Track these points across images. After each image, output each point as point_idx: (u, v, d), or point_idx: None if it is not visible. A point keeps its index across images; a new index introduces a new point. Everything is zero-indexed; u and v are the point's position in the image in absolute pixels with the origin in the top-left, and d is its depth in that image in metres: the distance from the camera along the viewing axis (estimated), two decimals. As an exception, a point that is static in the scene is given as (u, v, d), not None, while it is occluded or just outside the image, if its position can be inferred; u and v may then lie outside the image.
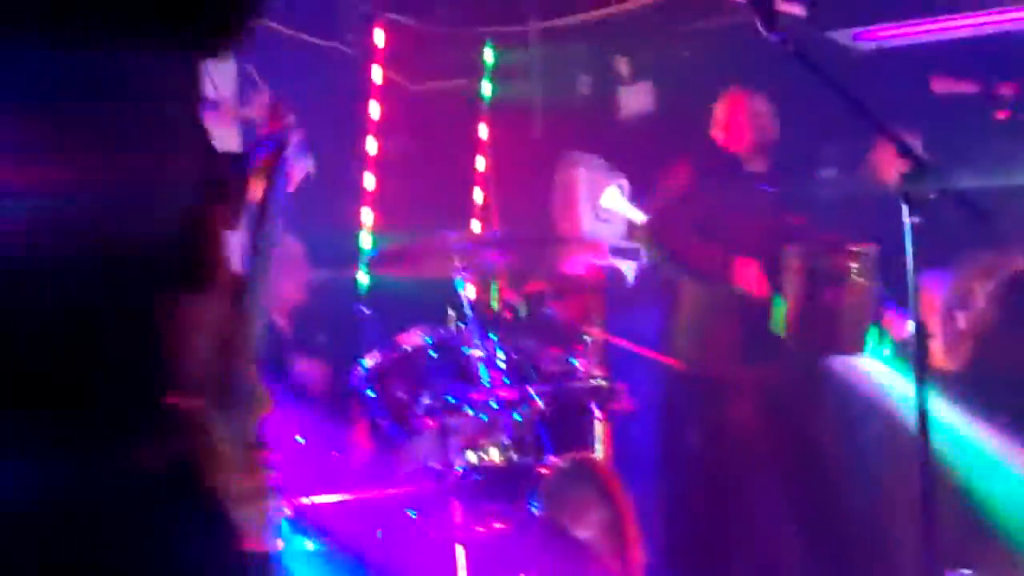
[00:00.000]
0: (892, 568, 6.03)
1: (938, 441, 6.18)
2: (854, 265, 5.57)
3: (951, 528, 6.39)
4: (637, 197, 7.71)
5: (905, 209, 3.97)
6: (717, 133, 5.89)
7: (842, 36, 7.90)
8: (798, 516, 5.80)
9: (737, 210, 5.71)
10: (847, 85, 4.07)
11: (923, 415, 3.75)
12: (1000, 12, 7.57)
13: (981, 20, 7.70)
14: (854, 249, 5.62)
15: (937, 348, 6.20)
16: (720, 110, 5.90)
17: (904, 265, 3.77)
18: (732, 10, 4.36)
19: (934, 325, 6.26)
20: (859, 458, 6.17)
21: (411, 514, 4.91)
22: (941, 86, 5.39)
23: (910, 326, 3.86)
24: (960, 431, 6.75)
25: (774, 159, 5.83)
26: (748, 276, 5.62)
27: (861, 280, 5.52)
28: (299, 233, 5.91)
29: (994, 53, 7.71)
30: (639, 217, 7.65)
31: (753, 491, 5.97)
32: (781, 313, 5.56)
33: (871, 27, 7.85)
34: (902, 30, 7.93)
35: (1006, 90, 5.29)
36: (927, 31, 7.90)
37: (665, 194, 5.96)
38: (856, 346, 5.75)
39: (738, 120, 5.80)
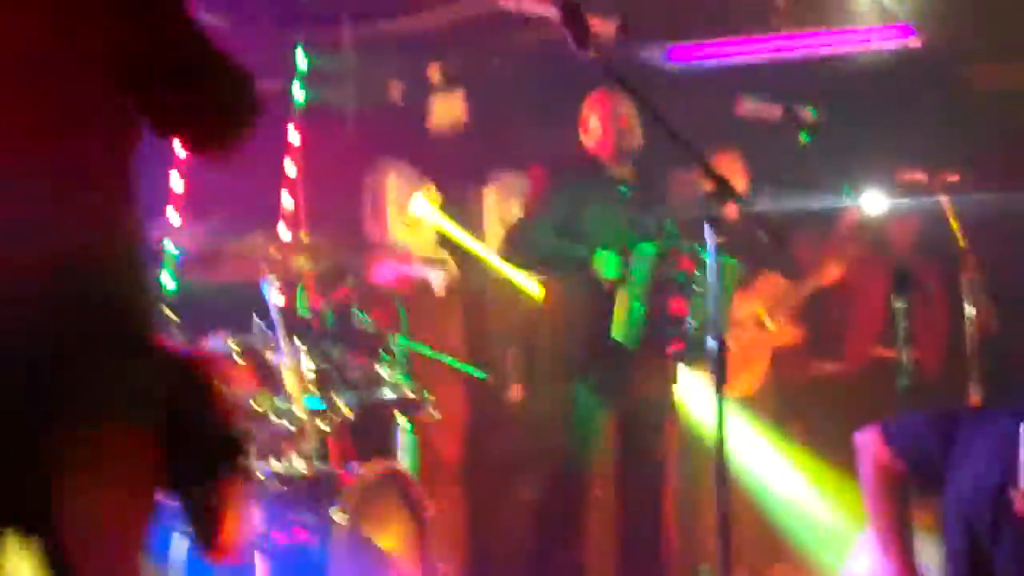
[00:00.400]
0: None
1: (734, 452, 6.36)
2: (698, 273, 5.54)
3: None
4: (446, 205, 7.72)
5: (708, 229, 4.04)
6: (582, 134, 5.84)
7: (655, 56, 8.00)
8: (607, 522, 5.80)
9: (596, 211, 5.66)
10: (659, 103, 4.11)
11: (720, 427, 3.83)
12: (800, 36, 7.76)
13: (782, 44, 7.88)
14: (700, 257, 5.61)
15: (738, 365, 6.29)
16: (584, 112, 5.84)
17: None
18: (546, 26, 4.38)
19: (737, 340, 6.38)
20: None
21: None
22: (745, 109, 5.47)
23: (711, 344, 3.91)
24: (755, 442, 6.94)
25: (637, 163, 5.80)
26: (608, 265, 5.55)
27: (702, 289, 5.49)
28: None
29: (797, 77, 7.90)
30: (447, 225, 7.67)
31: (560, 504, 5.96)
32: (623, 314, 5.50)
33: (681, 45, 7.97)
34: (708, 51, 8.07)
35: (806, 115, 5.39)
36: (734, 52, 8.04)
37: (527, 200, 5.90)
38: (696, 352, 5.69)
39: (600, 122, 5.75)
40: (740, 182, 6.02)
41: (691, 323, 5.47)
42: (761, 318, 6.71)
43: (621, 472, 5.78)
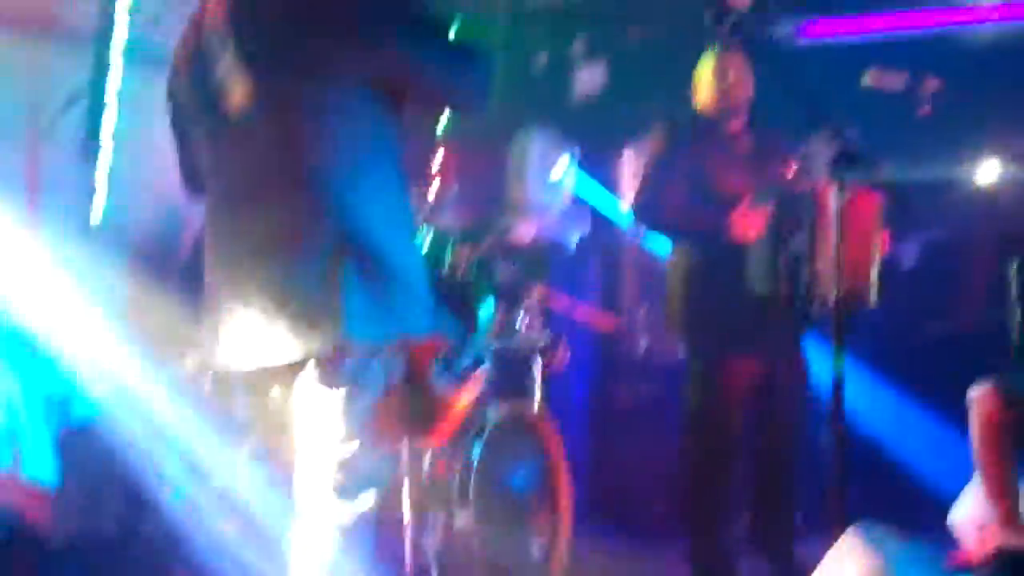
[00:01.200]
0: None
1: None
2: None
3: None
4: (586, 168, 7.65)
5: (836, 193, 3.91)
6: (695, 94, 5.68)
7: (785, 30, 7.83)
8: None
9: (717, 166, 5.50)
10: (789, 76, 4.01)
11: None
12: (927, 12, 7.55)
13: (912, 20, 7.67)
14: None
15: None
16: (699, 72, 5.67)
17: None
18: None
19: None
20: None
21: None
22: (872, 79, 5.29)
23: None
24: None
25: (750, 118, 5.62)
26: (746, 224, 5.34)
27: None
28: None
29: (920, 50, 7.69)
30: (586, 187, 7.60)
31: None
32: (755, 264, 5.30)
33: (813, 21, 7.80)
34: (840, 25, 7.89)
35: (930, 86, 5.21)
36: (862, 28, 7.86)
37: (645, 165, 5.75)
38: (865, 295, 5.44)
39: (707, 81, 5.58)
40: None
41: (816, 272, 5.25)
42: None
43: (756, 431, 5.57)
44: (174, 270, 5.69)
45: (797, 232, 4.77)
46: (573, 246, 7.45)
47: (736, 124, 5.59)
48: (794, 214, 5.00)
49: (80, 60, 5.52)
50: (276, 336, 3.01)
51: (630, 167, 8.25)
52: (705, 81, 5.58)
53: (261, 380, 3.19)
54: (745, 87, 5.49)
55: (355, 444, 3.10)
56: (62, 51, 5.51)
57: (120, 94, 5.50)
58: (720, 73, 5.49)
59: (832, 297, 5.14)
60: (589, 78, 8.25)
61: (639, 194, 5.67)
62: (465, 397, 3.56)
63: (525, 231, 6.99)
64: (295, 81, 2.99)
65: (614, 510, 7.06)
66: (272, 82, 3.00)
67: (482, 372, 3.56)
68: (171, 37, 5.89)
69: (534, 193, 7.32)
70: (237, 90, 3.01)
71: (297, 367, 3.06)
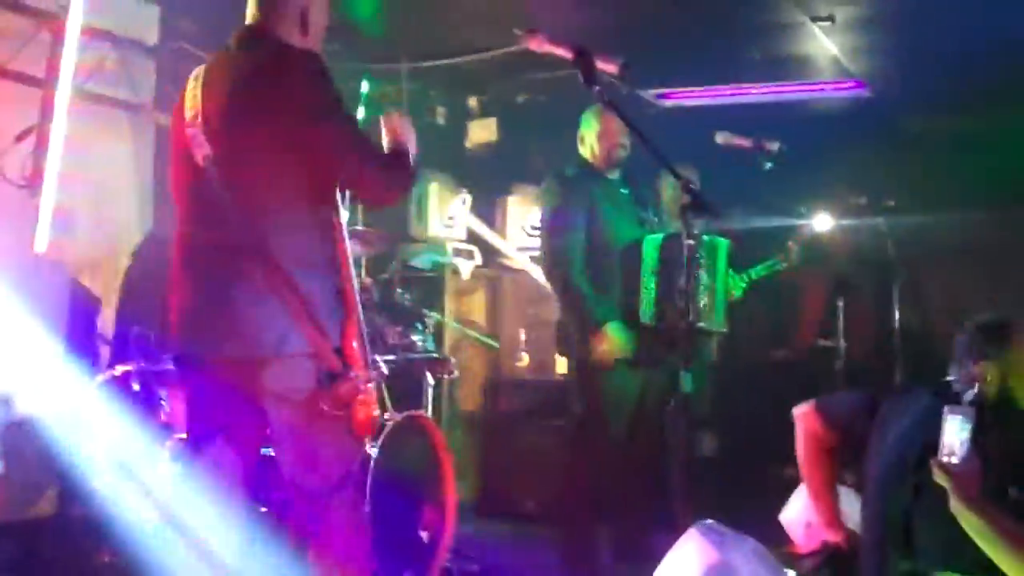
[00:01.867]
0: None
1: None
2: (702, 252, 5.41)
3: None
4: (476, 209, 7.72)
5: (684, 234, 4.00)
6: (579, 146, 5.73)
7: (648, 95, 7.98)
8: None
9: (609, 210, 5.55)
10: (648, 132, 4.08)
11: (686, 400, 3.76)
12: (770, 85, 7.72)
13: (755, 91, 7.84)
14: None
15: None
16: (581, 129, 5.72)
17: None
18: (562, 66, 4.35)
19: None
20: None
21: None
22: (722, 140, 5.40)
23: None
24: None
25: (626, 171, 5.70)
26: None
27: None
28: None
29: (765, 116, 7.86)
30: (477, 225, 7.66)
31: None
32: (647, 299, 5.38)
33: (672, 89, 7.95)
34: (695, 93, 8.04)
35: (772, 146, 5.33)
36: (714, 95, 8.02)
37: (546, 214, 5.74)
38: (715, 324, 5.54)
39: (594, 137, 5.63)
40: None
41: (702, 301, 5.36)
42: None
43: (634, 430, 5.63)
44: (107, 293, 5.66)
45: (676, 270, 4.82)
46: (465, 275, 7.50)
47: (614, 173, 5.66)
48: (674, 254, 5.07)
49: (30, 101, 5.47)
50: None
51: (515, 209, 8.33)
52: (588, 135, 5.63)
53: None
54: (621, 142, 5.55)
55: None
56: (11, 93, 5.46)
57: (64, 134, 5.45)
58: (601, 129, 5.55)
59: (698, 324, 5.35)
60: (481, 131, 8.32)
61: (550, 241, 5.63)
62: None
63: (423, 261, 7.04)
64: (245, 152, 3.35)
65: (494, 504, 7.11)
66: (229, 148, 3.37)
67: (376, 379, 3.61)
68: (114, 85, 5.97)
69: (432, 228, 7.37)
70: (201, 148, 3.39)
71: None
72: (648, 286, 5.35)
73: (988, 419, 3.33)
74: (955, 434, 3.17)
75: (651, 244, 5.38)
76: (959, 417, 3.18)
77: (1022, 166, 7.37)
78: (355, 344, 3.43)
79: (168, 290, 3.50)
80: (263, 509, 4.10)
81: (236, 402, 3.43)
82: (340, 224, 3.48)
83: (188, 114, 3.45)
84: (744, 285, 5.93)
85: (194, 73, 3.55)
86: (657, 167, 4.17)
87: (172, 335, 3.48)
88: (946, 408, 3.20)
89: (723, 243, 5.55)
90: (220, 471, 3.47)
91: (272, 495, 4.14)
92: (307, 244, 3.37)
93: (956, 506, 3.16)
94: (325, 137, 3.36)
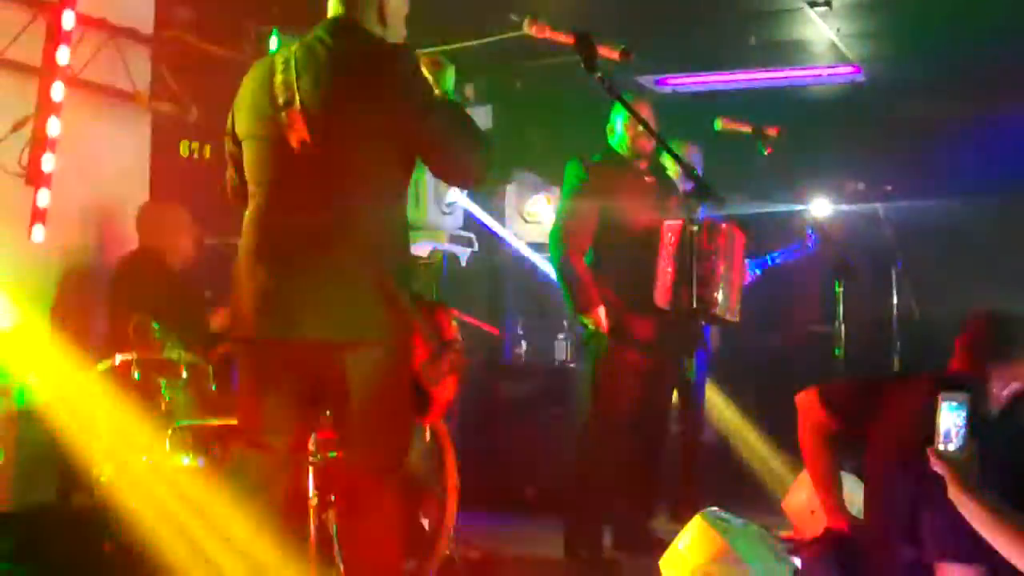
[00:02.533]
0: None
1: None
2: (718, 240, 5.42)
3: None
4: (475, 197, 7.69)
5: (688, 220, 3.98)
6: (609, 135, 5.72)
7: (647, 81, 7.96)
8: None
9: (628, 196, 5.55)
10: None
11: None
12: (767, 70, 7.70)
13: (752, 76, 7.82)
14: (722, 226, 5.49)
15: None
16: (612, 118, 5.71)
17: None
18: (561, 52, 4.31)
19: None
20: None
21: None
22: (722, 125, 5.38)
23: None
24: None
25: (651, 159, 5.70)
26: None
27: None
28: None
29: (762, 101, 7.84)
30: (476, 212, 7.62)
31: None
32: (662, 283, 5.38)
33: (669, 75, 7.92)
34: (692, 78, 8.02)
35: (772, 132, 5.31)
36: (709, 81, 8.00)
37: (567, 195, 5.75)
38: (729, 313, 5.57)
39: (624, 126, 5.62)
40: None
41: (719, 289, 5.37)
42: None
43: (638, 418, 5.62)
44: (104, 283, 5.63)
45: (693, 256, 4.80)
46: (463, 262, 7.47)
47: (643, 163, 5.67)
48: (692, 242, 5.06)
49: (26, 91, 5.43)
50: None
51: (513, 196, 8.30)
52: (618, 124, 5.64)
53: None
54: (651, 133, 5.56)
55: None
56: (7, 83, 5.42)
57: (62, 126, 5.42)
58: (629, 119, 5.55)
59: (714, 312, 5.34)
60: (478, 118, 8.28)
61: (558, 222, 5.66)
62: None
63: (421, 248, 7.01)
64: (345, 140, 3.40)
65: (495, 491, 7.09)
66: (328, 134, 3.40)
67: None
68: (110, 74, 5.93)
69: (430, 215, 7.33)
70: (298, 132, 3.40)
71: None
72: (665, 271, 5.36)
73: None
74: (950, 421, 3.13)
75: (669, 231, 5.39)
76: (953, 403, 3.13)
77: (1018, 152, 7.36)
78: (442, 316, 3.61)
79: (239, 276, 3.49)
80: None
81: (307, 387, 3.47)
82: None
83: (281, 99, 3.46)
84: (760, 271, 5.93)
85: (280, 58, 3.55)
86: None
87: (245, 318, 3.46)
88: (940, 395, 3.16)
89: (740, 234, 5.57)
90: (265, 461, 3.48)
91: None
92: (392, 229, 3.48)
93: (955, 494, 3.13)
94: (430, 130, 3.46)
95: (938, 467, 3.15)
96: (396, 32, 3.67)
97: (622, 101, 4.26)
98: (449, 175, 3.80)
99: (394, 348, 3.42)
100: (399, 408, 3.51)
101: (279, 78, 3.49)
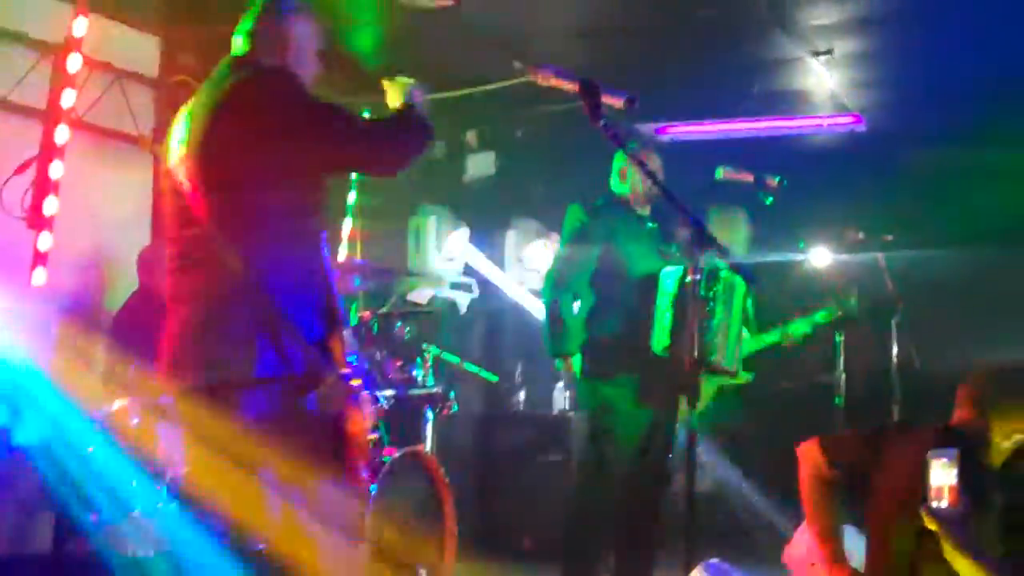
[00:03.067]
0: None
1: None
2: (718, 288, 5.41)
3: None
4: (475, 242, 7.69)
5: (689, 267, 3.96)
6: (619, 181, 5.73)
7: (647, 129, 7.98)
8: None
9: (629, 242, 5.56)
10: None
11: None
12: (768, 119, 7.74)
13: (753, 125, 7.85)
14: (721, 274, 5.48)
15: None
16: (622, 165, 5.72)
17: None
18: (562, 100, 4.33)
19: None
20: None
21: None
22: (724, 174, 5.39)
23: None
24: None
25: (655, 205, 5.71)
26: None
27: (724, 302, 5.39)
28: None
29: (763, 150, 7.86)
30: (475, 258, 7.63)
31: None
32: (660, 329, 5.37)
33: (671, 123, 7.96)
34: (693, 127, 8.05)
35: (772, 181, 5.32)
36: (709, 130, 8.03)
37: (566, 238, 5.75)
38: (726, 362, 5.54)
39: (635, 173, 5.64)
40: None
41: (716, 337, 5.35)
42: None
43: (639, 466, 5.58)
44: (103, 328, 5.62)
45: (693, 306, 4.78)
46: (463, 309, 7.47)
47: (646, 210, 5.67)
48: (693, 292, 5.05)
49: (30, 134, 5.45)
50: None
51: (513, 242, 8.30)
52: (625, 170, 5.65)
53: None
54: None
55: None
56: (11, 125, 5.44)
57: (65, 169, 5.43)
58: (637, 167, 5.56)
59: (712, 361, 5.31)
60: (480, 165, 8.31)
61: (553, 265, 5.68)
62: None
63: (422, 295, 7.01)
64: (235, 184, 3.30)
65: (492, 540, 7.05)
66: (218, 181, 3.31)
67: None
68: (114, 117, 5.95)
69: (431, 263, 7.34)
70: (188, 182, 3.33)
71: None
72: (663, 318, 5.35)
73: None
74: (941, 478, 3.12)
75: (668, 277, 5.38)
76: (944, 460, 3.12)
77: (1019, 201, 7.37)
78: (340, 352, 3.38)
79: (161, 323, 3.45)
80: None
81: (223, 431, 3.38)
82: (324, 235, 3.44)
83: (174, 144, 3.45)
84: (808, 331, 5.94)
85: (185, 106, 3.53)
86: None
87: (162, 366, 3.43)
88: (929, 452, 3.15)
89: (742, 283, 5.53)
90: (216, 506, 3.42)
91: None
92: (292, 264, 3.33)
93: (949, 552, 3.11)
94: (318, 144, 3.33)
95: (931, 524, 3.13)
96: (305, 69, 3.55)
97: (626, 150, 4.24)
98: (369, 170, 3.86)
99: (282, 389, 3.29)
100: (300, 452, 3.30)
101: (176, 123, 3.48)
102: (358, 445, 3.41)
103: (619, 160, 5.72)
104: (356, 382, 3.41)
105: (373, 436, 3.58)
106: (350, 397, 3.36)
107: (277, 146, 3.28)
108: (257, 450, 3.35)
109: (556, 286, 5.55)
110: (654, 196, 5.62)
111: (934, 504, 3.11)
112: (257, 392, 3.27)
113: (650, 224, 5.70)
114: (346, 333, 3.43)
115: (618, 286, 5.51)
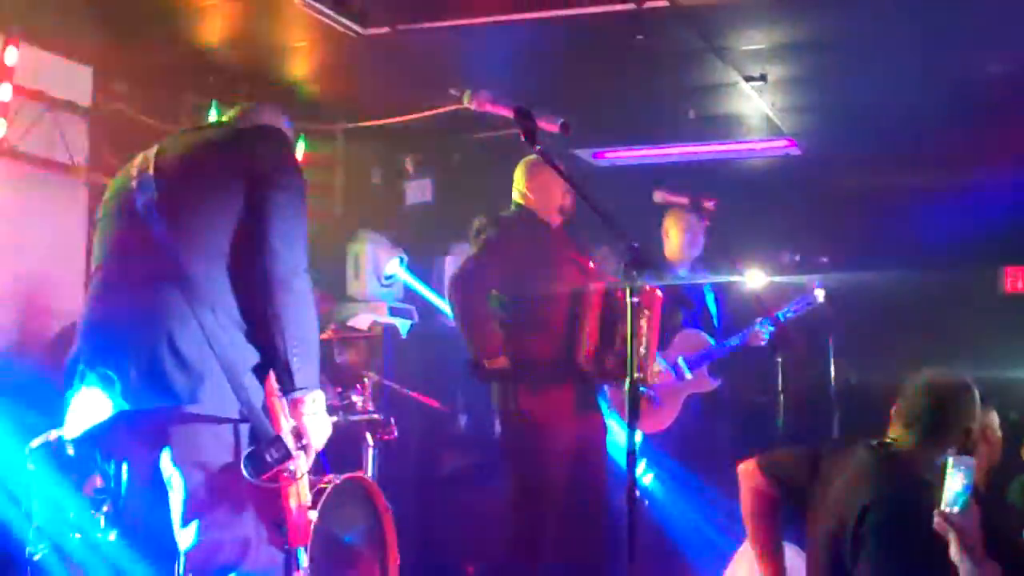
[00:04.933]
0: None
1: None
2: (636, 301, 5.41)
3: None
4: (413, 268, 7.70)
5: (628, 292, 3.99)
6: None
7: (584, 154, 8.05)
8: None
9: (539, 252, 5.56)
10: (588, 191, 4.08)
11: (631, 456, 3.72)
12: (703, 144, 7.82)
13: (689, 149, 7.94)
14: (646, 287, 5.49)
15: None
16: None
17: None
18: (499, 125, 4.37)
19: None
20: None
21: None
22: (660, 197, 5.47)
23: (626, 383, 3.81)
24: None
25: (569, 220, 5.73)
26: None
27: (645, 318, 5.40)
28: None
29: (699, 174, 7.95)
30: (416, 283, 7.63)
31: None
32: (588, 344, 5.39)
33: (607, 148, 8.03)
34: (629, 152, 8.12)
35: (709, 204, 5.41)
36: (646, 154, 8.11)
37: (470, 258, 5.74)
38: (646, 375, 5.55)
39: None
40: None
41: (640, 352, 5.36)
42: (681, 368, 6.61)
43: (570, 486, 5.57)
44: (37, 358, 5.57)
45: (619, 321, 4.80)
46: (403, 335, 7.47)
47: (556, 219, 5.68)
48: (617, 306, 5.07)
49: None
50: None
51: (451, 268, 8.31)
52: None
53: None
54: (561, 191, 5.59)
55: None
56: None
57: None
58: (536, 176, 5.60)
59: (639, 377, 5.33)
60: (417, 190, 8.34)
61: (462, 281, 5.64)
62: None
63: (361, 321, 7.00)
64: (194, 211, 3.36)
65: (435, 567, 7.03)
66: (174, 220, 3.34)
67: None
68: (49, 149, 5.91)
69: (369, 288, 7.34)
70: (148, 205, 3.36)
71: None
72: (588, 333, 5.36)
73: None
74: (958, 484, 3.21)
75: (596, 293, 5.40)
76: (961, 468, 3.22)
77: (951, 224, 7.51)
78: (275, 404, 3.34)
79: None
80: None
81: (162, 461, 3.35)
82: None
83: (135, 169, 3.48)
84: (773, 327, 5.98)
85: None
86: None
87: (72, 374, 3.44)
88: (951, 459, 3.24)
89: (659, 298, 5.56)
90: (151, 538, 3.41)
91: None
92: (236, 298, 3.34)
93: (956, 555, 3.19)
94: (261, 202, 3.36)
95: (943, 529, 3.20)
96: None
97: (561, 173, 4.27)
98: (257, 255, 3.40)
99: (218, 429, 3.30)
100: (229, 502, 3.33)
101: (140, 156, 3.55)
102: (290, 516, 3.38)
103: (520, 168, 5.72)
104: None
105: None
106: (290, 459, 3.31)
107: (242, 192, 3.35)
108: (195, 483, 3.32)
109: (467, 285, 5.53)
110: (561, 207, 5.63)
111: (948, 509, 3.20)
112: (196, 426, 3.26)
113: (563, 237, 5.70)
114: None
115: (535, 301, 5.50)
